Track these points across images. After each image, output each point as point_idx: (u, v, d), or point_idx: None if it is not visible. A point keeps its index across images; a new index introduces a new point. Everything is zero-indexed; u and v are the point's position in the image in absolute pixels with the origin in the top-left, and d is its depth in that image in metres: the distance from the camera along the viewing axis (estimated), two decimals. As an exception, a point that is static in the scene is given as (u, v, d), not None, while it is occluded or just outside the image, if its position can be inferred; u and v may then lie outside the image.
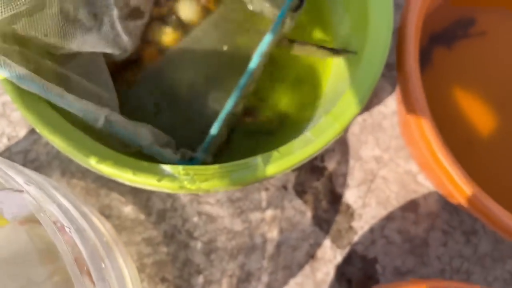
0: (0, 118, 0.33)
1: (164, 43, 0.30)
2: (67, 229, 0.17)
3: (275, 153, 0.24)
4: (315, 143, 0.24)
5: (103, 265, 0.19)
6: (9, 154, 0.32)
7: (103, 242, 0.21)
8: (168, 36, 0.29)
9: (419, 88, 0.27)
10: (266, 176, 0.23)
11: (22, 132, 0.32)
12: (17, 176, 0.17)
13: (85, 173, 0.31)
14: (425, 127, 0.27)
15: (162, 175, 0.23)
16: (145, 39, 0.29)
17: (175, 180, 0.23)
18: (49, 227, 0.14)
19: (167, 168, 0.23)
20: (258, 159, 0.24)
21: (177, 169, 0.23)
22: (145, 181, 0.22)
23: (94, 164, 0.22)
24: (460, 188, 0.27)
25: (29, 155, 0.31)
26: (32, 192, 0.16)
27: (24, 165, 0.31)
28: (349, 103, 0.25)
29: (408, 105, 0.27)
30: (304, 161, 0.24)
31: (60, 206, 0.18)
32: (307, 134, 0.25)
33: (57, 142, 0.23)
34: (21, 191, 0.15)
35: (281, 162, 0.24)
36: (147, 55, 0.30)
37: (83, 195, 0.31)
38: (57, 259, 0.17)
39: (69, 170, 0.31)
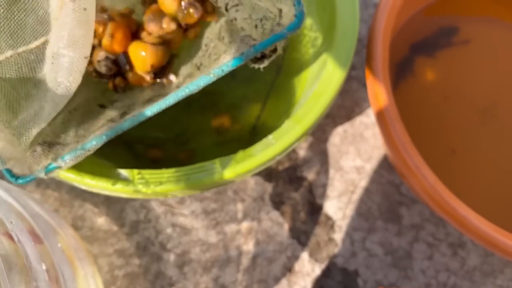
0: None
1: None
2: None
3: (234, 157, 0.23)
4: (275, 146, 0.24)
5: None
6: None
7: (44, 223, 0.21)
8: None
9: (385, 90, 0.27)
10: (224, 179, 0.23)
11: None
12: None
13: (59, 184, 0.31)
14: (392, 131, 0.26)
15: (116, 179, 0.22)
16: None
17: (130, 184, 0.22)
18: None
19: (122, 171, 0.23)
20: (216, 162, 0.23)
21: (132, 173, 0.23)
22: (99, 185, 0.22)
23: (49, 168, 0.22)
24: (433, 195, 0.26)
25: (6, 167, 0.32)
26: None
27: None
28: (311, 107, 0.25)
29: (375, 109, 0.27)
30: (264, 165, 0.24)
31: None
32: (269, 137, 0.24)
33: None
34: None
35: (240, 165, 0.23)
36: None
37: (57, 206, 0.31)
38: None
39: (43, 181, 0.31)
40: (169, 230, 0.31)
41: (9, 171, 0.21)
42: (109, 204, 0.31)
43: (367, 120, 0.35)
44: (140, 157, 0.29)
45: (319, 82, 0.25)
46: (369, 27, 0.29)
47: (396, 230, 0.32)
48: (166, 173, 0.23)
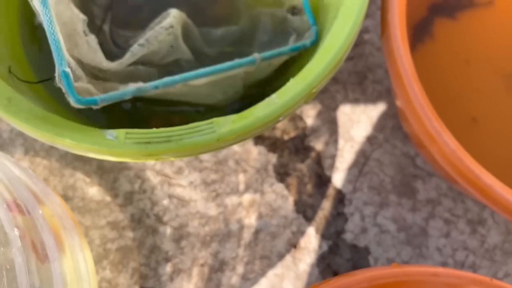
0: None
1: None
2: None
3: (233, 117, 0.21)
4: (278, 105, 0.21)
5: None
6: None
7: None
8: None
9: (404, 53, 0.24)
10: (221, 142, 0.21)
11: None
12: None
13: (49, 152, 0.29)
14: (410, 92, 0.23)
15: (102, 139, 0.20)
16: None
17: (116, 145, 0.20)
18: None
19: (109, 131, 0.20)
20: (212, 122, 0.21)
21: (119, 133, 0.20)
22: (81, 145, 0.20)
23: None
24: (455, 162, 0.23)
25: (-8, 133, 0.30)
26: None
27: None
28: (319, 62, 0.22)
29: (391, 68, 0.24)
30: (266, 126, 0.21)
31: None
32: (272, 96, 0.22)
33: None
34: None
35: (239, 126, 0.21)
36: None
37: (46, 175, 0.29)
38: None
39: (32, 148, 0.29)
40: (165, 202, 0.29)
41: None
42: (102, 173, 0.29)
43: (380, 88, 0.32)
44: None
45: (328, 37, 0.23)
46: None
47: (411, 205, 0.30)
48: (157, 133, 0.20)
